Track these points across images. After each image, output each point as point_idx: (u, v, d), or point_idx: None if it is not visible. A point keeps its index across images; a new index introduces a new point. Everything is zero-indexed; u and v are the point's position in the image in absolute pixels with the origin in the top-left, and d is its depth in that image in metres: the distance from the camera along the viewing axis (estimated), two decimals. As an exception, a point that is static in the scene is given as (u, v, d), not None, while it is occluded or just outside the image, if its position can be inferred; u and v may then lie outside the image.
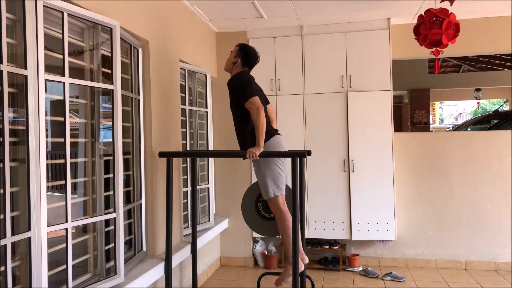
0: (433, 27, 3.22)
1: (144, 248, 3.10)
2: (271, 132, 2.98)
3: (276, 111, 4.43)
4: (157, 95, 3.18)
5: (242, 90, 2.89)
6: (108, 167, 2.60)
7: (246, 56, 3.06)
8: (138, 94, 3.05)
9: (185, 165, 3.86)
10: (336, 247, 4.45)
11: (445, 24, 3.19)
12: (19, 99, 1.95)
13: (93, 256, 2.53)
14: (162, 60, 3.30)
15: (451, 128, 12.62)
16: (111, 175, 2.57)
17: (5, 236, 1.79)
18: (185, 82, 3.86)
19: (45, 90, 2.01)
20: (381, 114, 4.25)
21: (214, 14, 4.09)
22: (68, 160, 2.18)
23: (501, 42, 4.29)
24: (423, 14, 3.32)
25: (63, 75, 2.18)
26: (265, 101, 3.11)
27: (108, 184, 2.59)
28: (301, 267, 2.96)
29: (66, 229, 2.18)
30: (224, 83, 4.67)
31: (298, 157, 2.81)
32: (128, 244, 2.98)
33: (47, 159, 2.02)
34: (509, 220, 4.25)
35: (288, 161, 2.90)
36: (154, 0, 3.15)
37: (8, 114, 1.83)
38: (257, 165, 2.96)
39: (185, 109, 3.84)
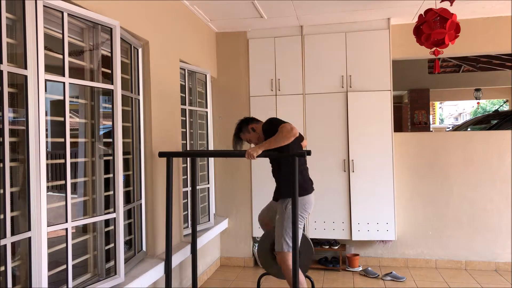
0: (436, 27, 3.21)
1: (144, 248, 3.10)
2: (308, 189, 3.01)
3: (276, 112, 4.44)
4: (157, 95, 3.18)
5: (276, 124, 2.89)
6: (108, 167, 2.60)
7: (247, 121, 3.17)
8: (138, 94, 3.05)
9: (185, 165, 3.86)
10: (336, 247, 4.45)
11: (449, 24, 3.18)
12: (19, 99, 1.95)
13: (93, 256, 2.53)
14: (162, 60, 3.30)
15: (451, 128, 12.63)
16: (111, 175, 2.57)
17: (5, 236, 1.79)
18: (185, 82, 3.86)
19: (45, 90, 2.01)
20: (381, 114, 4.25)
21: (214, 14, 4.09)
22: (68, 160, 2.18)
23: (501, 42, 4.29)
24: (424, 13, 3.30)
25: (63, 75, 2.18)
26: (300, 137, 3.10)
27: (108, 184, 2.59)
28: None
29: (66, 229, 2.18)
30: (224, 83, 4.70)
31: (298, 157, 2.81)
32: (128, 244, 2.98)
33: (47, 159, 2.02)
34: (509, 220, 4.24)
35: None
36: (154, 0, 3.15)
37: (8, 114, 1.83)
38: (281, 213, 2.97)
39: (185, 109, 3.84)
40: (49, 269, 2.07)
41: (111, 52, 2.53)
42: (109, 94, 2.56)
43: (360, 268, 4.35)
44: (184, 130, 3.81)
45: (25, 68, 1.92)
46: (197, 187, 3.82)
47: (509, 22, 4.24)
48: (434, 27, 3.21)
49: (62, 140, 2.18)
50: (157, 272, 2.93)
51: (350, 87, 4.33)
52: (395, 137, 4.29)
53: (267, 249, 3.32)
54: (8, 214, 1.81)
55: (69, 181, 2.18)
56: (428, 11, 3.28)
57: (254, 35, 4.55)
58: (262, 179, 4.41)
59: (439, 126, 17.79)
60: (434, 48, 3.40)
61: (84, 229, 2.59)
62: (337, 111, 4.35)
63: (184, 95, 3.82)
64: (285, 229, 2.92)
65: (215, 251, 4.54)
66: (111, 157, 2.55)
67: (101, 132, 2.62)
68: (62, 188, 2.19)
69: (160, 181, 3.20)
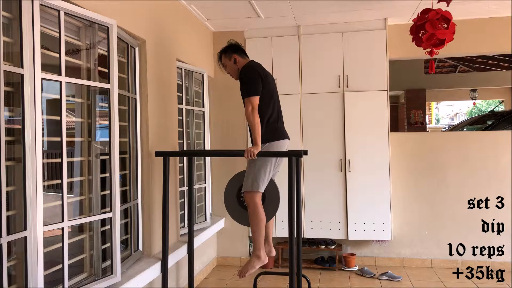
0: (440, 27, 3.20)
1: (140, 248, 3.10)
2: (283, 135, 2.98)
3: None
4: (154, 94, 3.18)
5: (246, 85, 2.88)
6: (105, 166, 2.59)
7: (235, 48, 3.07)
8: (135, 93, 3.04)
9: (182, 164, 3.86)
10: (333, 247, 4.46)
11: (452, 24, 3.18)
12: (15, 98, 1.95)
13: (89, 256, 2.53)
14: (159, 59, 3.29)
15: (447, 128, 12.68)
16: (107, 175, 2.56)
17: (0, 236, 1.78)
18: (182, 81, 3.85)
19: (41, 89, 2.01)
20: (378, 114, 4.26)
21: (211, 14, 4.09)
22: (64, 159, 2.17)
23: (497, 43, 4.31)
24: (426, 13, 3.26)
25: (60, 74, 2.17)
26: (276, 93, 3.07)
27: (105, 184, 2.58)
28: (265, 260, 2.91)
29: (62, 229, 2.17)
30: (221, 82, 4.70)
31: (295, 156, 2.81)
32: (125, 243, 2.97)
33: (43, 158, 2.01)
34: (504, 219, 4.26)
35: (285, 160, 2.90)
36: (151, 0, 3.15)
37: (4, 113, 1.82)
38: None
39: (182, 109, 3.84)
40: (45, 268, 2.06)
41: (108, 51, 2.53)
42: (105, 93, 2.55)
43: (357, 268, 4.36)
44: (181, 129, 3.80)
45: (21, 66, 1.92)
46: (194, 187, 3.81)
47: (505, 23, 4.26)
48: (438, 26, 3.19)
49: (58, 139, 2.17)
50: (154, 271, 2.93)
51: (347, 87, 4.34)
52: (391, 137, 4.31)
53: (233, 194, 3.27)
54: (4, 213, 1.80)
55: (65, 180, 2.18)
56: (428, 10, 3.26)
57: (251, 35, 4.55)
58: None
59: (435, 126, 17.89)
60: (429, 49, 3.40)
61: (80, 229, 2.58)
62: (334, 111, 4.35)
63: (181, 95, 3.82)
64: (258, 168, 2.84)
65: (211, 250, 4.54)
66: (107, 157, 2.55)
67: (98, 131, 2.61)
68: (58, 188, 2.19)
69: (156, 181, 3.19)
